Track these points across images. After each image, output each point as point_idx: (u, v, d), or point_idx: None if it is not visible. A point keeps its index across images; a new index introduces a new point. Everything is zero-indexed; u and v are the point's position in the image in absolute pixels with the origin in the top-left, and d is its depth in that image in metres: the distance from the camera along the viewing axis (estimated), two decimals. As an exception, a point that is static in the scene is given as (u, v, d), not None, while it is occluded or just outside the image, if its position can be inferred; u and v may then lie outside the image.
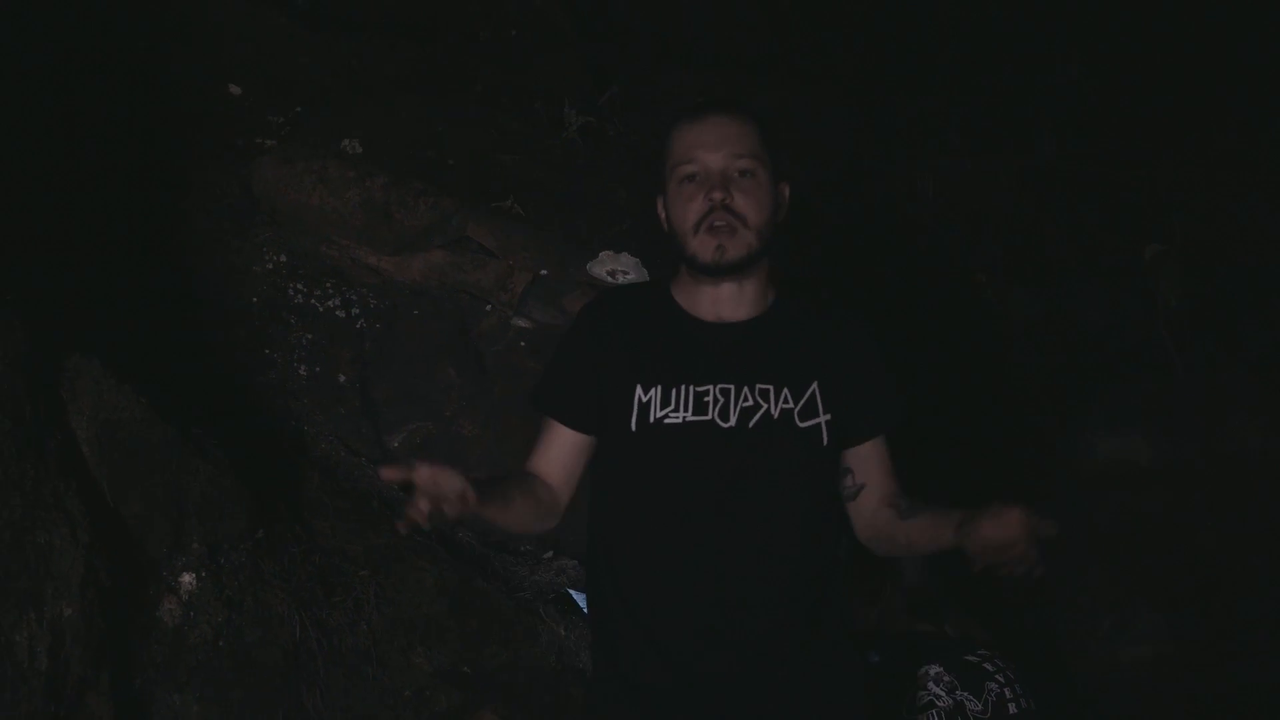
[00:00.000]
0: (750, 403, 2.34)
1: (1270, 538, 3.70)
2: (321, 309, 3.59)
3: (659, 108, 4.22)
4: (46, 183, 3.18)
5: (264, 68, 3.94)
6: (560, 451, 2.43)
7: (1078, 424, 3.88)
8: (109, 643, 2.61)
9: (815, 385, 2.37)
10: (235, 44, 3.97)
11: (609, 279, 3.53)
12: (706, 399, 2.34)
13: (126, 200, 3.47)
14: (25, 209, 3.00)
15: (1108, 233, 4.27)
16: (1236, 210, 4.26)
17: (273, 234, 3.63)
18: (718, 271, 2.36)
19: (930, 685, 2.82)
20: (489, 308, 3.59)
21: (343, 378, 3.56)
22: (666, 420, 2.33)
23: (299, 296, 3.59)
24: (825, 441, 2.35)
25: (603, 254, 3.56)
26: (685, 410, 2.33)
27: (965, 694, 2.78)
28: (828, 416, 2.35)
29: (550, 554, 3.51)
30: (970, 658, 2.86)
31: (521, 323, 3.58)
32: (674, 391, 2.34)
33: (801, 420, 2.34)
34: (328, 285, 3.61)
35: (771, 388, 2.36)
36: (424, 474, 2.06)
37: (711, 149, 2.35)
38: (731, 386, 2.35)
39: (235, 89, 3.88)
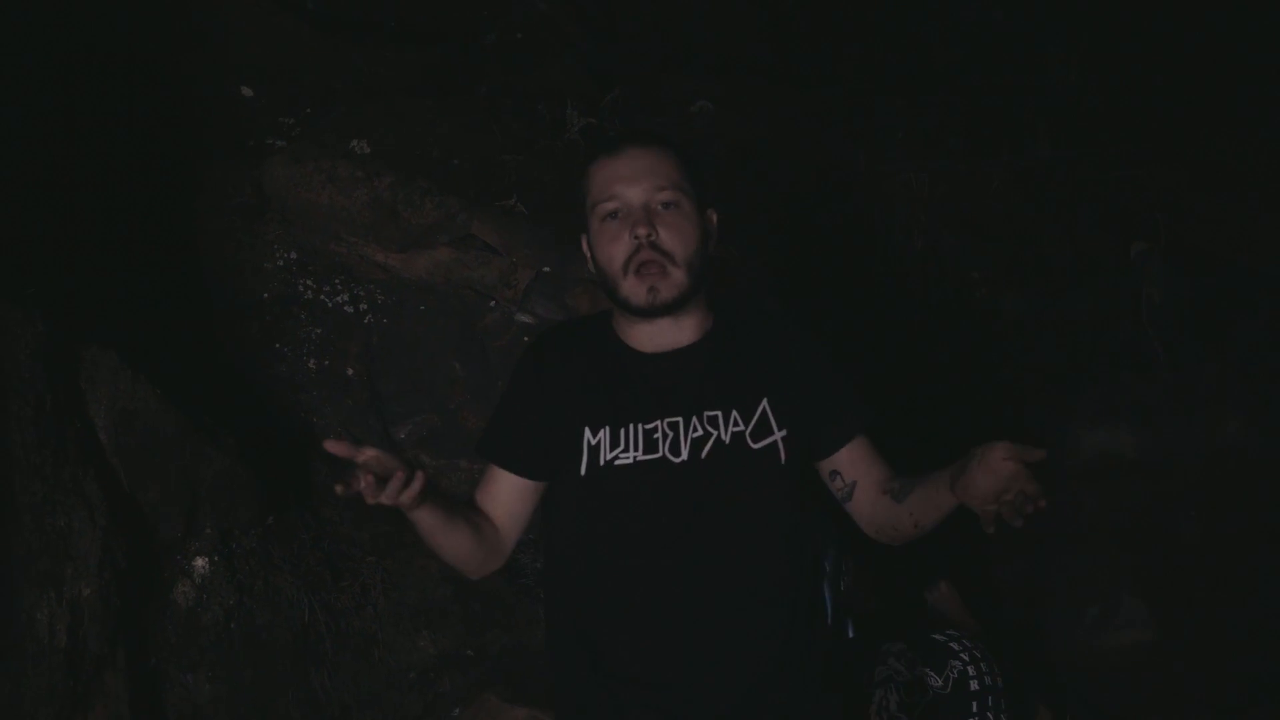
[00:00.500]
0: (700, 433, 2.24)
1: (1251, 530, 3.71)
2: (330, 304, 3.59)
3: (660, 110, 4.22)
4: (67, 184, 3.19)
5: (275, 71, 3.94)
6: (507, 495, 2.32)
7: (1065, 419, 3.90)
8: (125, 622, 2.65)
9: (765, 403, 2.28)
10: (248, 48, 3.95)
11: None
12: (655, 435, 2.24)
13: (143, 199, 3.48)
14: (47, 209, 3.03)
15: (1100, 233, 4.27)
16: (1226, 210, 4.27)
17: (283, 232, 3.62)
18: (650, 313, 2.26)
19: (891, 660, 2.80)
20: (493, 303, 3.58)
21: (351, 371, 3.57)
22: (617, 462, 2.23)
23: (308, 292, 3.60)
24: (783, 459, 2.26)
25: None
26: (635, 450, 2.24)
27: (926, 669, 2.75)
28: (783, 433, 2.26)
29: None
30: (938, 636, 2.84)
31: (524, 318, 3.58)
32: (622, 431, 2.25)
33: (754, 441, 2.25)
34: (336, 281, 3.61)
35: (720, 413, 2.26)
36: (369, 454, 2.00)
37: (630, 182, 2.24)
38: (679, 419, 2.25)
39: (247, 91, 3.89)
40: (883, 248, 4.33)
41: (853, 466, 2.33)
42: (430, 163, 3.68)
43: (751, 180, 4.22)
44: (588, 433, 2.25)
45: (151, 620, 2.78)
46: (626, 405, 2.27)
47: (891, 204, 4.42)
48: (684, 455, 2.23)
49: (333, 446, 1.99)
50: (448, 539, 2.24)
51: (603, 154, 2.32)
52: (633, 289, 2.24)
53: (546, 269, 3.57)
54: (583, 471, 2.25)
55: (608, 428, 2.25)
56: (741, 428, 2.26)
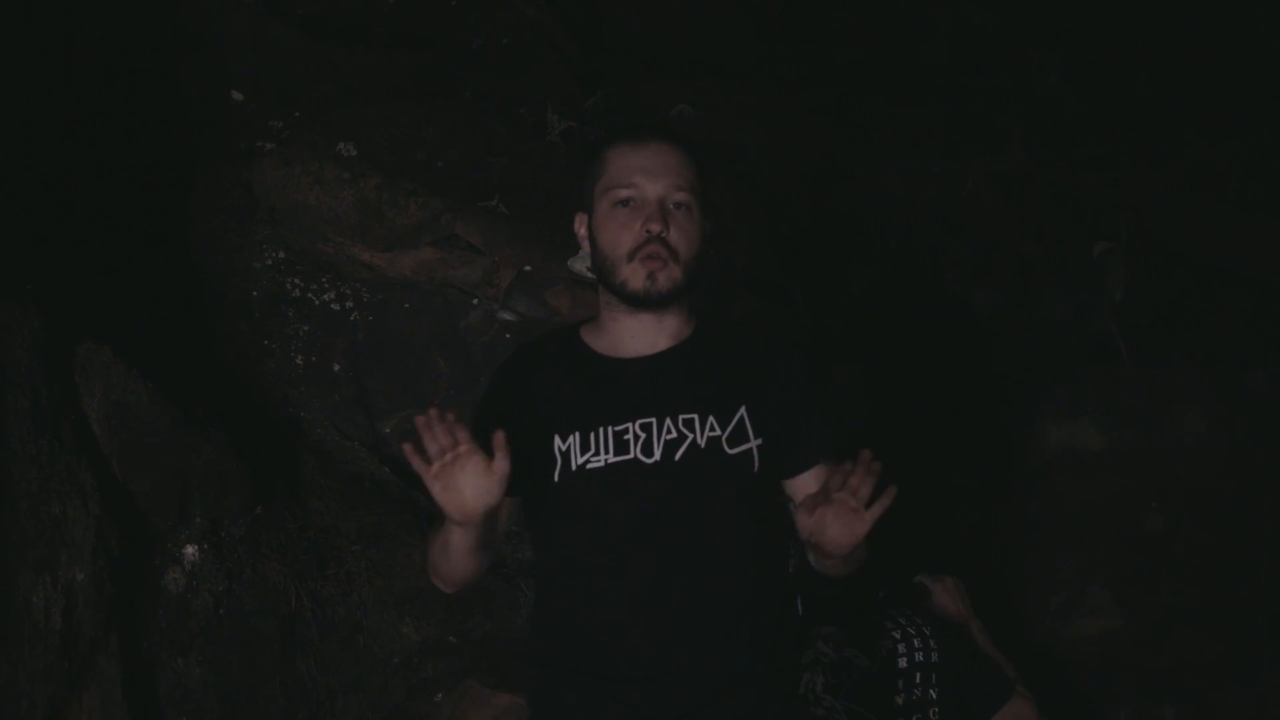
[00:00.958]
0: (674, 435, 2.23)
1: (1211, 520, 3.78)
2: (318, 302, 3.62)
3: (640, 113, 4.24)
4: (64, 186, 3.21)
5: (266, 76, 3.95)
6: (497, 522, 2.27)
7: (1032, 413, 3.95)
8: (118, 607, 2.67)
9: (743, 409, 2.26)
10: (239, 53, 3.97)
11: (589, 274, 3.41)
12: (626, 437, 2.23)
13: (136, 200, 3.50)
14: (43, 210, 3.05)
15: (1071, 233, 4.33)
16: (1196, 211, 4.33)
17: (272, 232, 3.65)
18: (645, 301, 2.25)
19: (819, 644, 2.72)
20: (475, 301, 3.60)
21: (337, 367, 3.59)
22: (589, 466, 2.22)
23: (296, 290, 3.62)
24: (757, 466, 2.24)
25: (582, 251, 3.51)
26: (606, 453, 2.22)
27: (853, 650, 2.69)
28: (759, 441, 2.24)
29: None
30: (872, 616, 2.80)
31: (506, 315, 3.59)
32: (592, 435, 2.23)
33: (730, 447, 2.23)
34: (324, 280, 3.64)
35: (696, 416, 2.24)
36: (459, 434, 2.00)
37: (651, 175, 2.24)
38: (653, 420, 2.24)
39: (238, 95, 3.90)
40: (860, 246, 4.38)
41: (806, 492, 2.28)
42: (416, 165, 3.70)
43: (732, 181, 4.27)
44: (557, 440, 2.25)
45: (143, 606, 2.80)
46: (596, 409, 2.26)
47: (869, 203, 4.47)
48: (656, 456, 2.22)
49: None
50: (467, 559, 2.24)
51: (624, 140, 2.30)
52: (633, 273, 2.23)
53: (528, 268, 3.58)
54: (556, 478, 2.24)
55: (577, 433, 2.24)
56: (718, 432, 2.24)
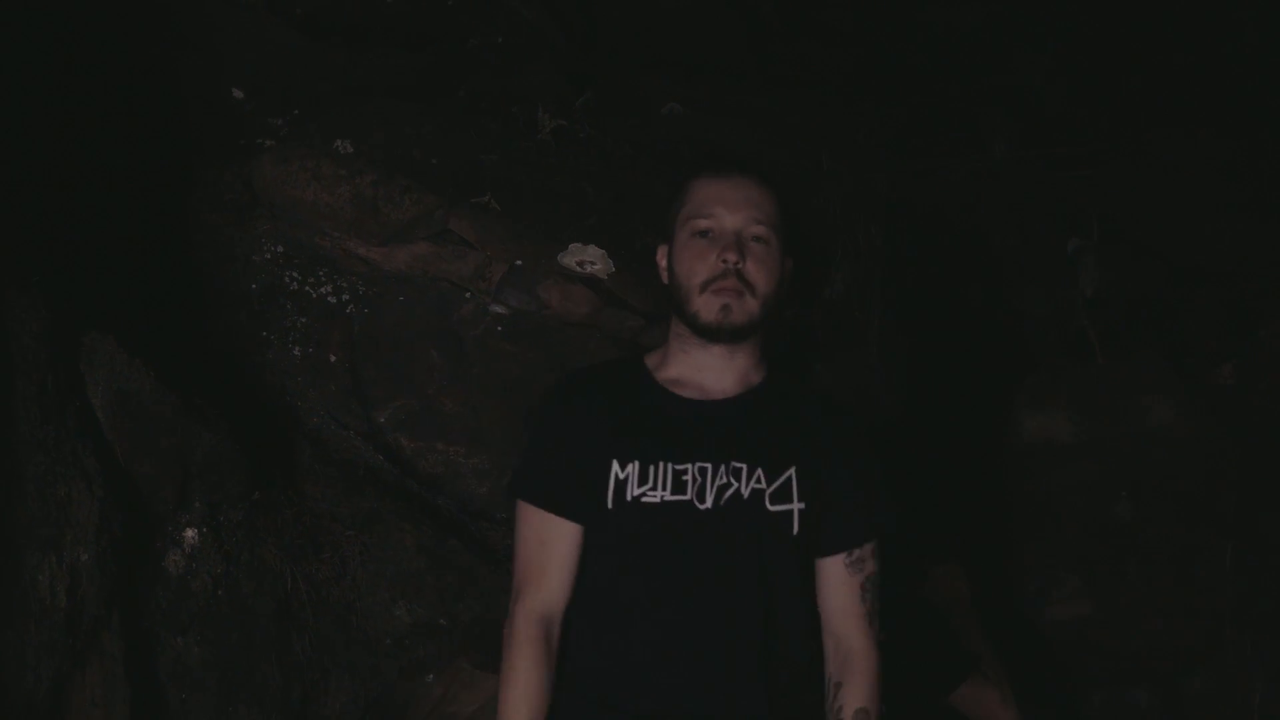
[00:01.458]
0: (724, 481, 2.18)
1: (1180, 508, 3.84)
2: (314, 295, 3.64)
3: (630, 112, 4.29)
4: (69, 182, 3.23)
5: (265, 74, 3.97)
6: (563, 552, 2.22)
7: (1009, 404, 4.01)
8: (120, 587, 2.68)
9: (793, 470, 2.20)
10: (239, 53, 3.99)
11: (578, 269, 3.58)
12: (685, 478, 2.17)
13: (139, 195, 3.52)
14: (49, 204, 3.06)
15: (1049, 229, 4.38)
16: (1166, 209, 4.39)
17: (271, 227, 3.67)
18: (718, 334, 2.21)
19: None
20: (468, 295, 3.63)
21: (333, 358, 3.61)
22: (644, 499, 2.17)
23: (294, 284, 3.64)
24: (795, 530, 2.19)
25: (572, 246, 3.59)
26: (664, 489, 2.17)
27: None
28: (801, 505, 2.19)
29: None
30: None
31: (498, 309, 3.62)
32: (651, 469, 2.18)
33: (772, 504, 2.18)
34: (320, 273, 3.66)
35: (745, 466, 2.19)
36: None
37: (731, 207, 2.20)
38: (709, 465, 2.19)
39: (238, 93, 3.93)
40: (843, 243, 4.43)
41: (826, 593, 2.26)
42: (410, 162, 3.72)
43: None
44: (615, 466, 2.20)
45: (144, 586, 2.81)
46: (658, 444, 2.21)
47: (853, 201, 4.53)
48: (708, 503, 2.18)
49: None
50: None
51: (708, 172, 2.29)
52: (706, 304, 2.20)
53: (519, 262, 3.62)
54: (609, 505, 2.19)
55: (636, 463, 2.19)
56: (763, 486, 2.20)
